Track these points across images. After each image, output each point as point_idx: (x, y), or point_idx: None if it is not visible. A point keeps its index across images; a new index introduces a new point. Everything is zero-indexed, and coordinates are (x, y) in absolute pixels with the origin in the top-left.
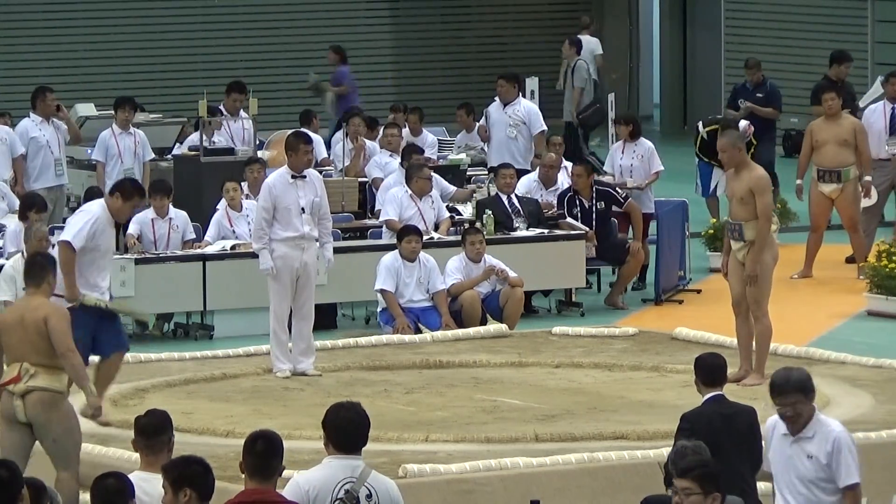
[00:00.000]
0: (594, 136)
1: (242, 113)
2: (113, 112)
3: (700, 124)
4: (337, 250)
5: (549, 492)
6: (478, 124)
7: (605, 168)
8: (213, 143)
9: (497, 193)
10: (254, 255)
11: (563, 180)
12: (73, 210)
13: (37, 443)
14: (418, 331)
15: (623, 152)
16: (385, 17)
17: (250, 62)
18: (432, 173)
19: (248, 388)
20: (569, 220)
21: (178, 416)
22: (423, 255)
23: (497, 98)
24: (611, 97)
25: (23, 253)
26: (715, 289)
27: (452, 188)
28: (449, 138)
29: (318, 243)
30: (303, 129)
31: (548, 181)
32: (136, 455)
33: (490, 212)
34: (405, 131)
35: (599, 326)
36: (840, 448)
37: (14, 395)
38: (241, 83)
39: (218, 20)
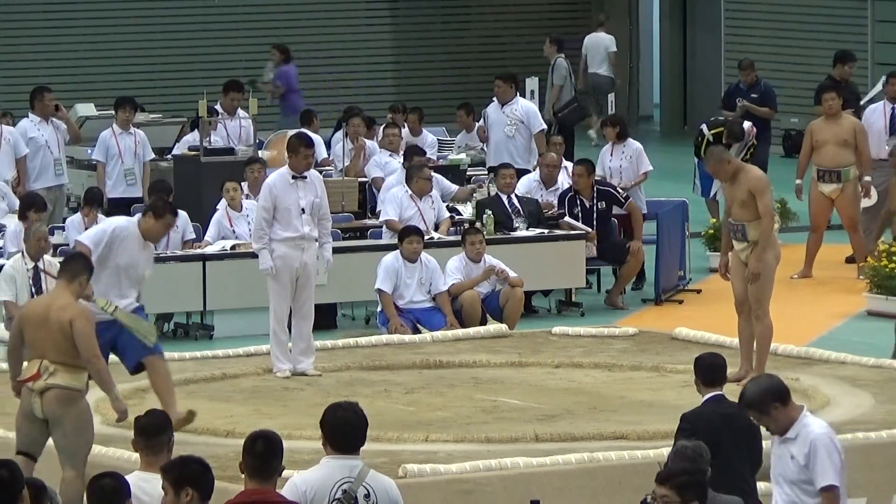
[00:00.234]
0: (598, 136)
1: (241, 112)
2: (113, 112)
3: (704, 126)
4: (337, 250)
5: (549, 492)
6: (477, 125)
7: (596, 170)
8: (209, 143)
9: (497, 193)
10: (254, 255)
11: (563, 180)
12: (73, 210)
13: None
14: (417, 332)
15: (612, 154)
16: (385, 17)
17: (250, 62)
18: (433, 173)
19: (248, 388)
20: (568, 219)
21: None
22: (424, 255)
23: (495, 98)
24: (611, 97)
25: (23, 253)
26: (715, 289)
27: (454, 187)
28: (449, 138)
29: (317, 243)
30: (304, 131)
31: (549, 181)
32: (136, 455)
33: (490, 212)
34: (405, 131)
35: (599, 326)
36: (816, 450)
37: (33, 391)
38: (238, 82)
39: (218, 20)
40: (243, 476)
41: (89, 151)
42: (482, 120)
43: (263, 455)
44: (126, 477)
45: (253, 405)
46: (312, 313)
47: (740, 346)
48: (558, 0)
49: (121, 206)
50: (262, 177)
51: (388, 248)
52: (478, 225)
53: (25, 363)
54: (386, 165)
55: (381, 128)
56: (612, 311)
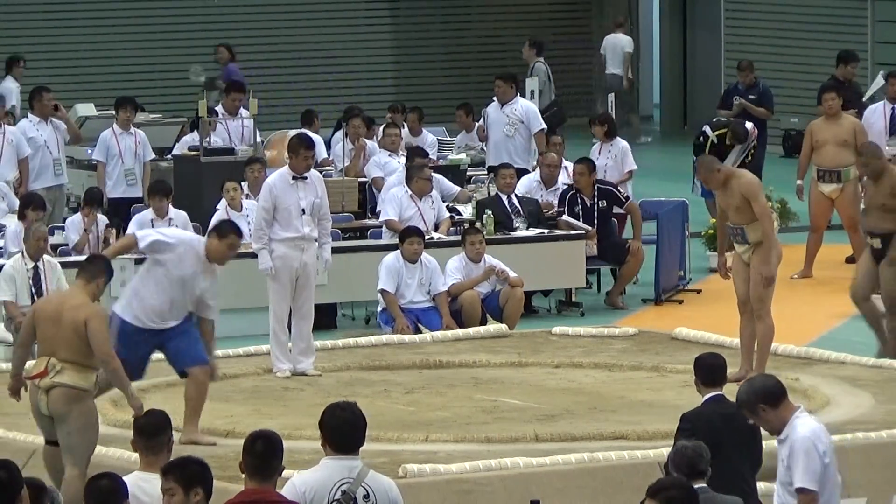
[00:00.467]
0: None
1: (243, 112)
2: (113, 112)
3: (708, 128)
4: (337, 250)
5: (549, 492)
6: (477, 124)
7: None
8: (209, 143)
9: (497, 193)
10: (254, 255)
11: (563, 180)
12: (73, 210)
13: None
14: (418, 331)
15: (600, 153)
16: (385, 17)
17: (250, 62)
18: (433, 174)
19: (248, 388)
20: (567, 218)
21: (178, 416)
22: (424, 256)
23: (495, 98)
24: (611, 97)
25: (23, 253)
26: (715, 289)
27: (456, 188)
28: (449, 138)
29: (317, 244)
30: (304, 131)
31: (549, 181)
32: (136, 455)
33: (490, 212)
34: (404, 131)
35: (599, 326)
36: (795, 452)
37: (40, 389)
38: (239, 82)
39: (218, 20)
40: (243, 476)
41: (89, 151)
42: (482, 120)
43: (263, 455)
44: (125, 477)
45: (253, 405)
46: (312, 313)
47: (741, 346)
48: (558, 0)
49: (121, 207)
50: (262, 177)
51: (388, 248)
52: (478, 225)
53: (30, 362)
54: (386, 165)
55: (381, 128)
56: (612, 311)
